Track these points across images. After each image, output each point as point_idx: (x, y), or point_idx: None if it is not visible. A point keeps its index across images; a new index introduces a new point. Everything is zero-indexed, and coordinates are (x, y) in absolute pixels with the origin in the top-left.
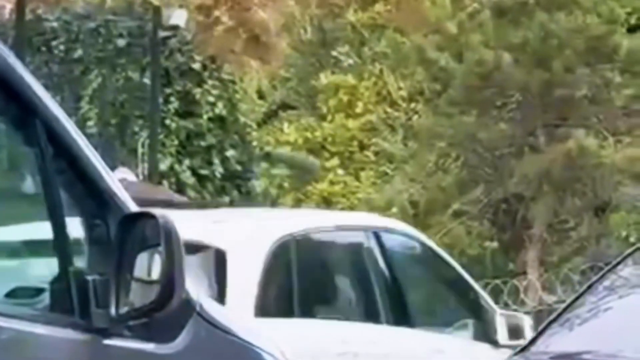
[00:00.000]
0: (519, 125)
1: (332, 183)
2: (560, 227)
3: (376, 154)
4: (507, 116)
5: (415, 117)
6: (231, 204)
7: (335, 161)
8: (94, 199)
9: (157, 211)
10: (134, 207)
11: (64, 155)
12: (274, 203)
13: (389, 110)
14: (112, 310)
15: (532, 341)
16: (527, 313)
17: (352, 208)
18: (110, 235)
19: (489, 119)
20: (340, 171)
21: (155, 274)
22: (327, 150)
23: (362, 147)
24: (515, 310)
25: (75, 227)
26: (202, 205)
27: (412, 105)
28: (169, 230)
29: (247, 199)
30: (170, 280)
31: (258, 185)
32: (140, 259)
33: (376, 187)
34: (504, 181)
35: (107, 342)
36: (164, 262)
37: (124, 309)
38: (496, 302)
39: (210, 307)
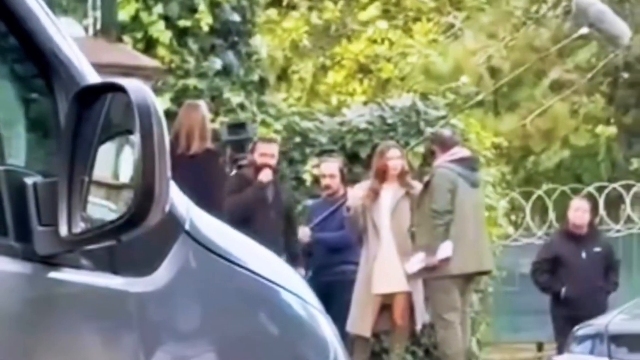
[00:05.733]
0: None
1: (371, 41)
2: None
3: None
4: None
5: None
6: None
7: (375, 9)
8: (35, 63)
9: (128, 82)
10: (94, 77)
11: None
12: (283, 72)
13: None
14: (63, 229)
15: None
16: None
17: (401, 78)
18: (60, 118)
19: None
20: (382, 23)
21: (126, 174)
22: None
23: None
24: None
25: (6, 106)
26: None
27: None
28: (146, 109)
29: (245, 65)
30: (149, 184)
31: (261, 44)
32: (103, 153)
33: (437, 47)
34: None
35: (54, 274)
36: (140, 157)
37: (79, 227)
38: (614, 215)
39: (206, 224)
